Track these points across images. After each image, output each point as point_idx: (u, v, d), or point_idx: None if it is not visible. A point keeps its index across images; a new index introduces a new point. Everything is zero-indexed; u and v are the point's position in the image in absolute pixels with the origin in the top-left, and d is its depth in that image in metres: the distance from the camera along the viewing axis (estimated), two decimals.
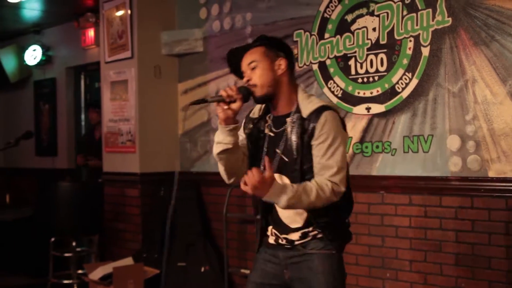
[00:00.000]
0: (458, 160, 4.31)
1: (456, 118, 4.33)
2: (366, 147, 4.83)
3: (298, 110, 2.81)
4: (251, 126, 2.96)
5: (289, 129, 2.81)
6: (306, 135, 2.76)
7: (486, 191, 4.19)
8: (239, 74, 2.94)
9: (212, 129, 6.04)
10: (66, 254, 6.00)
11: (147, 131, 6.23)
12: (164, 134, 6.34)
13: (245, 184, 2.61)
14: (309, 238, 2.86)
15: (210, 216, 6.12)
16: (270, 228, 2.98)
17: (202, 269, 5.78)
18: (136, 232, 6.29)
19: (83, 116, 7.84)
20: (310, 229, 2.85)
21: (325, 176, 2.72)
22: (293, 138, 2.79)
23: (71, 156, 7.84)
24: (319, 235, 2.84)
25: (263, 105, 2.95)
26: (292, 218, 2.87)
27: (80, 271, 5.93)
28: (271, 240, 2.97)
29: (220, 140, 2.81)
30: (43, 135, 8.31)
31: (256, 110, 2.99)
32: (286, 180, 2.81)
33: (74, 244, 5.93)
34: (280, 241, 2.92)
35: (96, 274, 5.42)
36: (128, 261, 5.65)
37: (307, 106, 2.79)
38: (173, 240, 6.00)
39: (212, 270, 5.78)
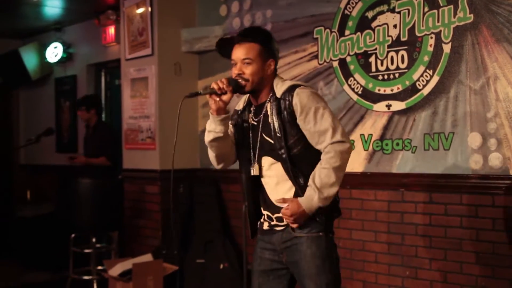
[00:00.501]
0: (479, 158, 4.29)
1: (477, 116, 4.31)
2: (386, 145, 4.82)
3: (273, 94, 3.04)
4: (236, 117, 3.20)
5: (268, 113, 3.02)
6: (284, 113, 2.96)
7: (508, 189, 4.16)
8: (225, 54, 3.14)
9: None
10: (86, 250, 6.04)
11: (167, 128, 6.26)
12: (184, 131, 6.32)
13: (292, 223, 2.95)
14: None
15: (229, 213, 6.14)
16: (264, 214, 3.14)
17: (221, 266, 5.80)
18: (155, 229, 6.32)
19: (103, 113, 7.88)
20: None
21: (326, 142, 2.91)
22: (274, 119, 2.98)
23: None
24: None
25: (246, 97, 3.17)
26: (281, 194, 3.03)
27: (99, 267, 5.98)
28: (265, 226, 3.13)
29: (212, 129, 3.06)
30: (64, 132, 8.38)
31: (241, 103, 3.22)
32: (272, 161, 3.02)
33: (94, 240, 5.97)
34: (272, 222, 3.08)
35: (116, 270, 5.46)
36: (148, 257, 5.68)
37: (280, 88, 3.02)
38: (192, 237, 6.03)
39: (231, 267, 5.79)
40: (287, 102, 2.95)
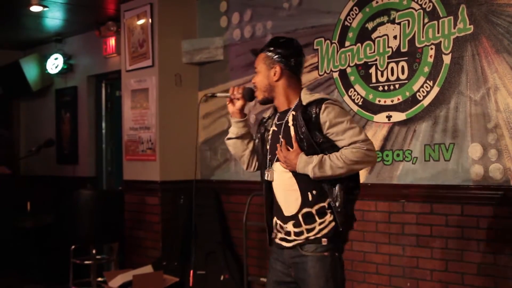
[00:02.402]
0: (480, 168, 4.30)
1: (477, 127, 4.31)
2: (387, 156, 4.82)
3: (299, 103, 3.07)
4: (260, 125, 3.30)
5: (290, 120, 3.07)
6: (307, 122, 2.98)
7: (508, 200, 4.16)
8: None
9: None
10: (86, 262, 6.03)
11: (167, 139, 6.27)
12: (184, 142, 6.35)
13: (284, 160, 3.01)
14: (303, 237, 3.00)
15: (230, 225, 6.14)
16: (275, 221, 3.17)
17: (222, 278, 5.79)
18: (156, 240, 6.32)
19: (104, 124, 7.90)
20: (300, 217, 3.01)
21: (354, 141, 2.95)
22: (294, 127, 3.02)
23: (92, 164, 7.90)
24: (312, 237, 2.98)
25: (272, 106, 3.24)
26: (288, 203, 3.07)
27: (100, 279, 5.98)
28: (277, 238, 3.16)
29: (230, 130, 3.35)
30: (64, 143, 8.37)
31: (268, 111, 3.30)
32: (281, 168, 3.08)
33: (94, 251, 5.97)
34: (282, 235, 3.09)
35: (116, 281, 5.46)
36: (148, 269, 5.68)
37: (307, 98, 3.06)
38: (193, 249, 6.02)
39: (232, 278, 5.79)
40: (313, 113, 2.98)
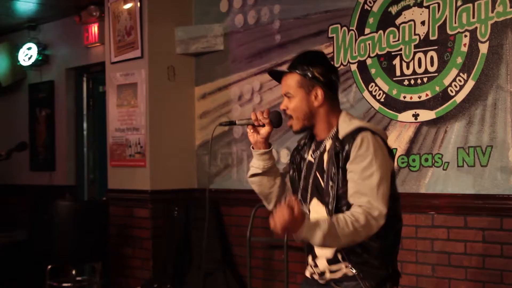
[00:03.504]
0: None
1: None
2: (414, 161, 4.82)
3: (336, 133, 2.97)
4: (295, 153, 3.21)
5: (326, 152, 2.98)
6: (340, 157, 2.89)
7: None
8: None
9: (234, 139, 6.07)
10: (65, 284, 6.04)
11: (159, 142, 6.27)
12: (179, 145, 6.37)
13: (274, 224, 2.67)
14: (340, 275, 2.96)
15: (232, 241, 6.14)
16: (309, 257, 3.13)
17: None
18: (145, 259, 6.32)
19: (85, 125, 7.90)
20: (339, 258, 2.96)
21: (356, 202, 2.80)
22: (330, 162, 2.94)
23: (71, 171, 7.90)
24: (350, 274, 2.94)
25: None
26: (322, 250, 3.00)
27: None
28: (307, 272, 3.14)
29: (252, 164, 3.19)
30: (39, 147, 8.37)
31: (304, 137, 3.21)
32: (319, 207, 2.97)
33: (74, 272, 5.97)
34: (313, 273, 3.08)
35: None
36: None
37: (345, 127, 2.95)
38: (188, 269, 6.03)
39: None
40: (346, 147, 2.87)
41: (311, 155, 3.09)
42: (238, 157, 6.04)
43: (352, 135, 2.88)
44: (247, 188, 5.82)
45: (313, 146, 3.10)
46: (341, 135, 2.93)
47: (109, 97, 6.71)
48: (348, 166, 2.85)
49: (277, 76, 3.13)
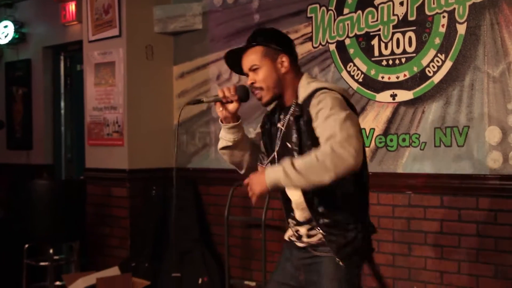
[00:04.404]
0: (499, 155, 4.32)
1: (496, 107, 4.33)
2: (391, 140, 4.84)
3: (297, 98, 3.07)
4: (266, 120, 3.29)
5: (290, 118, 3.06)
6: (301, 122, 2.98)
7: None
8: (240, 71, 3.21)
9: (212, 118, 6.05)
10: (42, 263, 6.01)
11: (137, 121, 6.24)
12: (157, 124, 6.35)
13: (250, 194, 2.94)
14: (317, 239, 3.09)
15: (210, 220, 6.14)
16: (290, 221, 3.23)
17: (200, 281, 5.80)
18: (123, 238, 6.31)
19: (62, 104, 7.85)
20: (315, 223, 3.06)
21: (325, 139, 2.79)
22: (293, 126, 3.03)
23: (48, 150, 7.85)
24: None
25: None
26: (299, 211, 3.13)
27: (58, 283, 5.95)
28: (287, 235, 3.28)
29: (222, 136, 3.23)
30: (16, 126, 8.32)
31: (273, 104, 3.24)
32: None
33: (51, 251, 5.94)
34: (292, 237, 3.21)
35: (77, 286, 5.44)
36: (114, 271, 5.66)
37: (303, 92, 3.04)
38: (166, 247, 6.02)
39: (211, 281, 5.80)
40: (306, 110, 2.95)
41: (282, 123, 3.15)
42: (216, 136, 5.98)
43: (309, 98, 2.96)
44: (225, 168, 5.83)
45: (282, 113, 3.16)
46: (300, 99, 3.02)
47: (86, 76, 6.66)
48: (314, 125, 2.90)
49: (234, 59, 3.18)
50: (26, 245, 6.01)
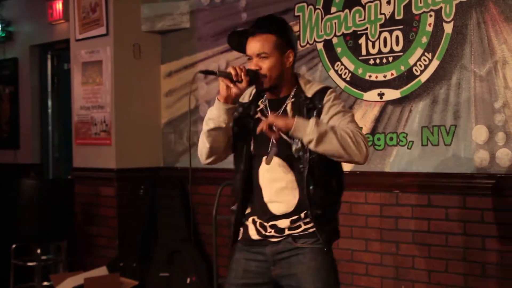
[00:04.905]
0: (486, 154, 4.32)
1: (483, 106, 4.34)
2: (378, 139, 4.84)
3: (299, 92, 3.15)
4: (240, 109, 3.23)
5: (289, 109, 3.13)
6: (314, 112, 3.05)
7: None
8: (237, 47, 3.26)
9: (200, 117, 6.03)
10: (30, 263, 6.00)
11: (124, 120, 6.23)
12: (145, 123, 6.34)
13: (269, 126, 2.92)
14: (299, 230, 3.10)
15: (198, 219, 6.13)
16: (250, 220, 3.21)
17: (188, 280, 5.80)
18: (111, 237, 6.30)
19: (50, 103, 7.82)
20: (302, 215, 3.09)
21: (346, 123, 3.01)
22: (296, 115, 3.04)
23: (36, 149, 7.83)
24: (311, 229, 3.08)
25: (252, 89, 3.25)
26: (279, 204, 3.12)
27: (45, 283, 5.95)
28: (254, 235, 3.19)
29: (215, 116, 3.10)
30: (3, 125, 8.30)
31: (246, 95, 3.27)
32: (278, 161, 3.11)
33: (39, 251, 5.93)
34: (266, 232, 3.15)
35: (65, 286, 5.43)
36: (102, 271, 5.66)
37: (310, 87, 3.14)
38: (154, 247, 6.02)
39: (200, 281, 5.79)
40: (320, 103, 3.06)
41: (263, 114, 3.18)
42: None
43: (322, 92, 3.08)
44: (213, 167, 5.81)
45: (265, 104, 3.20)
46: (309, 93, 3.10)
47: (74, 74, 6.65)
48: (324, 116, 3.03)
49: (238, 37, 3.20)
50: (13, 245, 6.00)
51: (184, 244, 5.95)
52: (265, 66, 3.07)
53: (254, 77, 3.06)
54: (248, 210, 3.25)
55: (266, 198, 3.15)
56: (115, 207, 6.26)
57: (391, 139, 4.77)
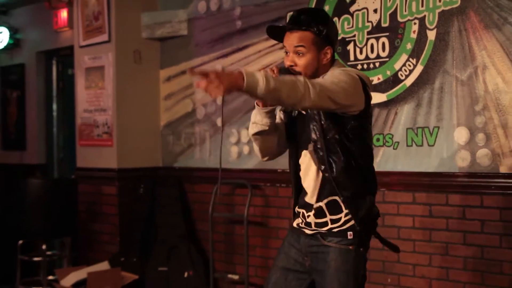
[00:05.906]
0: (467, 154, 4.34)
1: (464, 109, 4.35)
2: None
3: None
4: None
5: None
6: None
7: (497, 188, 4.22)
8: (276, 36, 3.07)
9: (197, 120, 6.05)
10: (36, 259, 6.00)
11: (125, 122, 6.23)
12: (145, 126, 6.34)
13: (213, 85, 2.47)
14: (326, 228, 2.99)
15: (195, 216, 6.14)
16: (297, 206, 3.15)
17: (186, 275, 5.80)
18: (113, 234, 6.29)
19: (55, 106, 7.82)
20: (326, 216, 2.98)
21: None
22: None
23: (41, 150, 7.83)
24: (336, 228, 2.97)
25: None
26: (311, 188, 3.02)
27: (50, 277, 5.95)
28: (295, 222, 3.15)
29: (257, 121, 3.01)
30: (10, 127, 8.28)
31: None
32: (306, 158, 3.01)
33: (44, 247, 5.93)
34: (302, 223, 3.09)
35: (69, 280, 5.44)
36: (104, 265, 5.67)
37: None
38: (154, 243, 6.02)
39: (197, 275, 5.79)
40: None
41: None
42: (201, 137, 6.02)
43: None
44: (209, 167, 5.85)
45: None
46: None
47: (77, 79, 6.64)
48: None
49: (277, 31, 3.05)
50: (20, 242, 6.00)
51: (182, 240, 5.96)
52: (301, 63, 2.94)
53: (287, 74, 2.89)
54: (299, 200, 3.15)
55: (303, 182, 3.07)
56: (117, 205, 6.25)
57: (378, 140, 4.79)
